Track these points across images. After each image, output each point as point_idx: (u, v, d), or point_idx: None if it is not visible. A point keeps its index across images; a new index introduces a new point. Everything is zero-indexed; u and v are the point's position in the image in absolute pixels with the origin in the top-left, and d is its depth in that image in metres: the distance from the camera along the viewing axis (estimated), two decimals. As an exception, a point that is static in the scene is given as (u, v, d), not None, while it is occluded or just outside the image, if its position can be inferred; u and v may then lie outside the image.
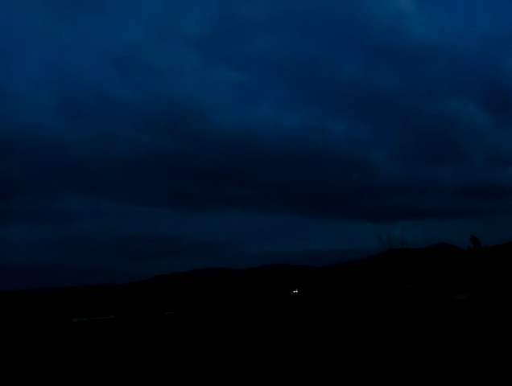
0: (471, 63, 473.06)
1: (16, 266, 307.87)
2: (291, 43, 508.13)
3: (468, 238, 75.30)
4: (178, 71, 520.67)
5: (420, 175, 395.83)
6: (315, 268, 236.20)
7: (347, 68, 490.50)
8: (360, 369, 13.76)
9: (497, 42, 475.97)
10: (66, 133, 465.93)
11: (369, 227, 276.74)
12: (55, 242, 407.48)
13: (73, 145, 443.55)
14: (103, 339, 34.33)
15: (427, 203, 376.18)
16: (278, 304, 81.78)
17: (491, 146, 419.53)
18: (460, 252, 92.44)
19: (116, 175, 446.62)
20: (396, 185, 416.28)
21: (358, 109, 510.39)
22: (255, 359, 17.53)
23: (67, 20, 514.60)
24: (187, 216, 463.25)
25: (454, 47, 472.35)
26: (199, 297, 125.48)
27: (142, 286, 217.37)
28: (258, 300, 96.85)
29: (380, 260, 75.31)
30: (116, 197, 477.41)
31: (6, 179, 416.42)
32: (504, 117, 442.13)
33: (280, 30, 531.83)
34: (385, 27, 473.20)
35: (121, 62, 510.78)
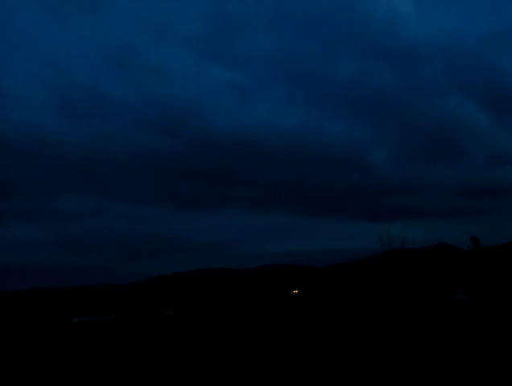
0: (469, 63, 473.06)
1: (16, 266, 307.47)
2: (288, 43, 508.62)
3: (468, 238, 75.48)
4: (175, 71, 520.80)
5: (420, 175, 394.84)
6: (315, 268, 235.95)
7: (345, 68, 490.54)
8: (360, 369, 13.75)
9: (495, 41, 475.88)
10: (65, 133, 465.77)
11: (369, 227, 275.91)
12: (55, 242, 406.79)
13: (73, 144, 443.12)
14: (103, 339, 34.32)
15: (427, 203, 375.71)
16: (278, 304, 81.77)
17: (491, 146, 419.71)
18: (460, 252, 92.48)
19: (116, 175, 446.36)
20: (396, 185, 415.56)
21: (357, 109, 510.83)
22: (255, 358, 17.53)
23: (65, 20, 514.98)
24: (187, 216, 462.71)
25: (452, 46, 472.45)
26: (199, 297, 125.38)
27: (142, 286, 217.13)
28: (258, 300, 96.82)
29: (380, 260, 75.31)
30: (116, 197, 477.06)
31: (6, 179, 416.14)
32: (503, 117, 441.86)
33: (277, 29, 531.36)
34: (383, 27, 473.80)
35: (118, 61, 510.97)
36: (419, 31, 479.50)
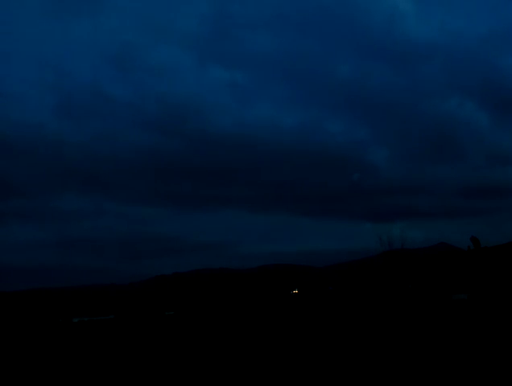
0: (469, 63, 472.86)
1: (16, 266, 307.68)
2: (287, 43, 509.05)
3: (468, 238, 75.46)
4: (175, 71, 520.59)
5: (420, 175, 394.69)
6: (315, 268, 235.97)
7: (345, 68, 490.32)
8: (360, 369, 13.76)
9: (495, 41, 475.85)
10: (65, 132, 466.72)
11: (369, 227, 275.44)
12: (55, 242, 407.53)
13: (73, 144, 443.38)
14: (103, 339, 34.33)
15: (427, 203, 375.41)
16: (278, 304, 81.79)
17: (491, 146, 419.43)
18: (460, 252, 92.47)
19: (116, 175, 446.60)
20: (396, 185, 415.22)
21: (357, 109, 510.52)
22: (255, 358, 17.54)
23: (65, 20, 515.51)
24: (187, 216, 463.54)
25: (452, 46, 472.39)
26: (199, 298, 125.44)
27: (142, 286, 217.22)
28: (259, 300, 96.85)
29: (380, 260, 75.27)
30: (116, 197, 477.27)
31: (6, 179, 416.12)
32: (503, 117, 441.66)
33: (277, 29, 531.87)
34: (383, 26, 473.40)
35: (118, 61, 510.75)
36: (419, 31, 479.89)
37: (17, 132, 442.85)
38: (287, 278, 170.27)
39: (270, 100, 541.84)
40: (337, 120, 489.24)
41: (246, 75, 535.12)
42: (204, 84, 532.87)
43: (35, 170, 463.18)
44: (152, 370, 16.52)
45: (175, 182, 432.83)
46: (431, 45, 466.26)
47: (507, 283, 52.14)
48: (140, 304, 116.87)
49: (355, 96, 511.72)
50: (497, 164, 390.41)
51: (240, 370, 15.16)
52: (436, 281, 68.23)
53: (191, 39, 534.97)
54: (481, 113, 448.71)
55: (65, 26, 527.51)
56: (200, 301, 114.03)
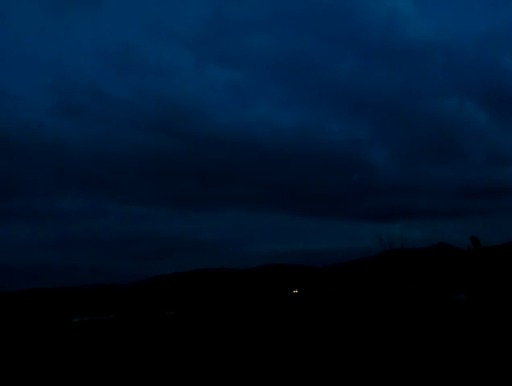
0: (469, 62, 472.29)
1: (16, 266, 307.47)
2: (287, 42, 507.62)
3: (468, 238, 75.43)
4: (175, 71, 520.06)
5: (420, 175, 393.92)
6: (315, 268, 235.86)
7: (344, 67, 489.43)
8: (360, 369, 13.76)
9: (495, 40, 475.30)
10: (65, 132, 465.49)
11: (369, 227, 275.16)
12: (55, 242, 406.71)
13: (72, 144, 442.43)
14: (103, 339, 34.34)
15: (427, 203, 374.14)
16: (279, 304, 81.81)
17: (491, 146, 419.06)
18: (460, 252, 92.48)
19: (116, 175, 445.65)
20: (396, 185, 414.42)
21: (357, 109, 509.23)
22: (255, 358, 17.54)
23: (64, 19, 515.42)
24: (187, 216, 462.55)
25: (452, 45, 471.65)
26: (199, 297, 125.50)
27: (142, 286, 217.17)
28: (259, 300, 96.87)
29: (380, 260, 75.23)
30: (116, 197, 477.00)
31: (6, 179, 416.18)
32: (504, 117, 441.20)
33: (276, 29, 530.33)
34: (382, 26, 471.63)
35: (117, 61, 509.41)
36: (419, 31, 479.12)
37: (17, 132, 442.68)
38: (287, 278, 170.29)
39: (269, 99, 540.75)
40: (337, 119, 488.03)
41: (246, 74, 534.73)
42: (203, 83, 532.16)
43: (35, 169, 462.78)
44: (152, 370, 16.52)
45: (175, 181, 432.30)
46: (431, 45, 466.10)
47: (507, 283, 52.16)
48: (140, 304, 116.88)
49: (355, 95, 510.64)
50: (497, 164, 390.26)
51: (240, 370, 15.17)
52: (436, 281, 68.26)
53: (190, 38, 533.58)
54: (481, 113, 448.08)
55: (64, 25, 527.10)
56: (199, 301, 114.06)
